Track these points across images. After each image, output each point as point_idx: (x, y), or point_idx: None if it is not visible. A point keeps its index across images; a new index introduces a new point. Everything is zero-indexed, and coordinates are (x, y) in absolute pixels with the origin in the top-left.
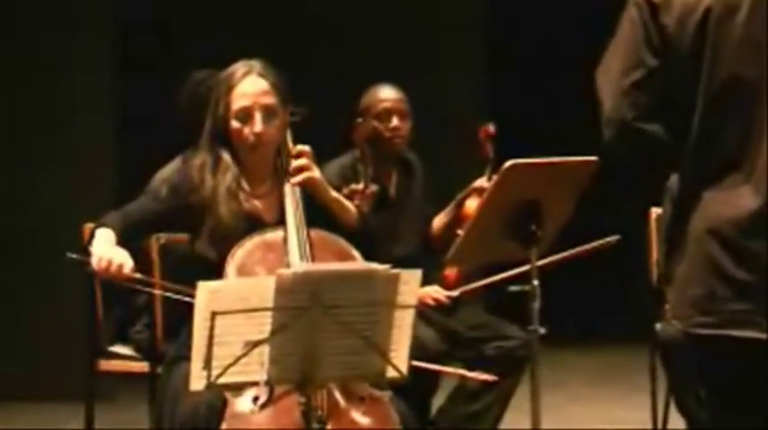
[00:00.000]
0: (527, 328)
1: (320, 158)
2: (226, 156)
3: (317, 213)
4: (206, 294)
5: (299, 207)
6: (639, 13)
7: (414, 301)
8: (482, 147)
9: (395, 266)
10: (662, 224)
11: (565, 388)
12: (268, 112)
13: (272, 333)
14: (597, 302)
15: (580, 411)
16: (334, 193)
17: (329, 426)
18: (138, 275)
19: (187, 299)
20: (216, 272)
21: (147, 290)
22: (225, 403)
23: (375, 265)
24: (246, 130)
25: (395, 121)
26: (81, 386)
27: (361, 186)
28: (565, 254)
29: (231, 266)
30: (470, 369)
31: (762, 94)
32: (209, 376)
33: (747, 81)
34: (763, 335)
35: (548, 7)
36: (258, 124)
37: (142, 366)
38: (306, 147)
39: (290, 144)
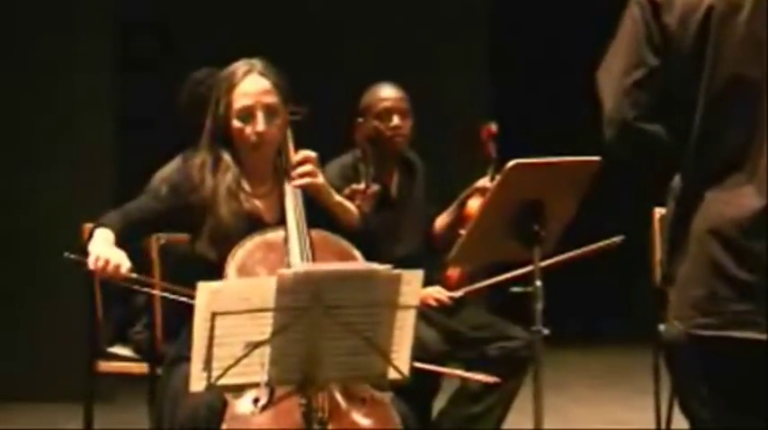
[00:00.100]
0: (530, 329)
1: (322, 158)
2: (226, 156)
3: (318, 213)
4: (206, 295)
5: (299, 207)
6: (641, 12)
7: (415, 302)
8: (485, 146)
9: (396, 266)
10: (665, 224)
11: (567, 389)
12: (270, 111)
13: (273, 333)
14: (600, 303)
15: (583, 412)
16: (338, 197)
17: (330, 428)
18: (134, 275)
19: (187, 299)
20: (216, 272)
21: (147, 290)
22: (225, 404)
23: (376, 266)
24: (248, 130)
25: (395, 121)
26: (80, 387)
27: (362, 186)
28: (568, 254)
29: (231, 266)
30: (472, 370)
31: (764, 94)
32: (209, 377)
33: (749, 80)
34: (764, 336)
35: (550, 7)
36: (260, 123)
37: (141, 367)
38: (311, 153)
39: (291, 143)
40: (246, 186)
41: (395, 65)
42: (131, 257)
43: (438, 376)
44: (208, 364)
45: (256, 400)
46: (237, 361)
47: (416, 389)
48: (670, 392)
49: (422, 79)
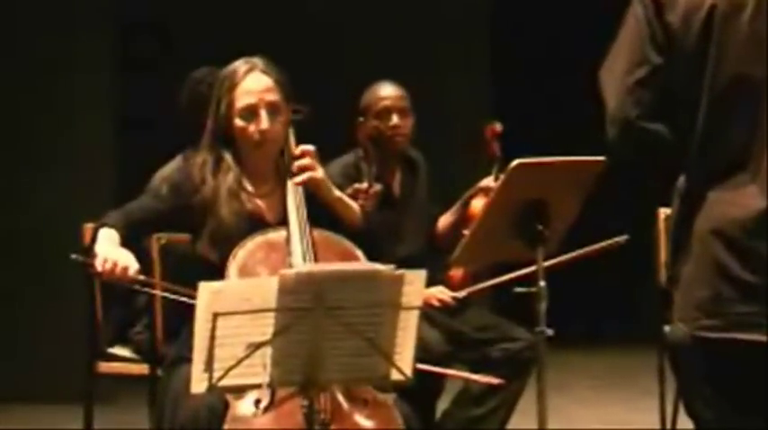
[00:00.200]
0: (534, 330)
1: (323, 158)
2: (227, 156)
3: (320, 213)
4: (208, 295)
5: (301, 206)
6: (644, 10)
7: (418, 302)
8: (488, 146)
9: (399, 267)
10: (670, 224)
11: (571, 390)
12: (273, 109)
13: (275, 334)
14: (604, 304)
15: (586, 414)
16: (338, 193)
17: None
18: (142, 277)
19: (188, 300)
20: (217, 272)
21: (148, 290)
22: (226, 406)
23: (379, 266)
24: (251, 128)
25: (395, 119)
26: (80, 387)
27: (364, 185)
28: (572, 254)
29: (233, 267)
30: (475, 371)
31: (766, 93)
32: (210, 378)
33: (752, 79)
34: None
35: (550, 7)
36: (264, 121)
37: (142, 368)
38: (309, 147)
39: (293, 142)
40: (248, 186)
41: (395, 65)
42: (135, 259)
43: (441, 377)
44: (209, 365)
45: (258, 402)
46: (239, 362)
47: (419, 391)
48: (675, 394)
49: (422, 79)
